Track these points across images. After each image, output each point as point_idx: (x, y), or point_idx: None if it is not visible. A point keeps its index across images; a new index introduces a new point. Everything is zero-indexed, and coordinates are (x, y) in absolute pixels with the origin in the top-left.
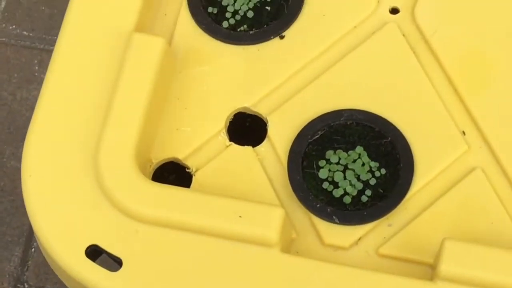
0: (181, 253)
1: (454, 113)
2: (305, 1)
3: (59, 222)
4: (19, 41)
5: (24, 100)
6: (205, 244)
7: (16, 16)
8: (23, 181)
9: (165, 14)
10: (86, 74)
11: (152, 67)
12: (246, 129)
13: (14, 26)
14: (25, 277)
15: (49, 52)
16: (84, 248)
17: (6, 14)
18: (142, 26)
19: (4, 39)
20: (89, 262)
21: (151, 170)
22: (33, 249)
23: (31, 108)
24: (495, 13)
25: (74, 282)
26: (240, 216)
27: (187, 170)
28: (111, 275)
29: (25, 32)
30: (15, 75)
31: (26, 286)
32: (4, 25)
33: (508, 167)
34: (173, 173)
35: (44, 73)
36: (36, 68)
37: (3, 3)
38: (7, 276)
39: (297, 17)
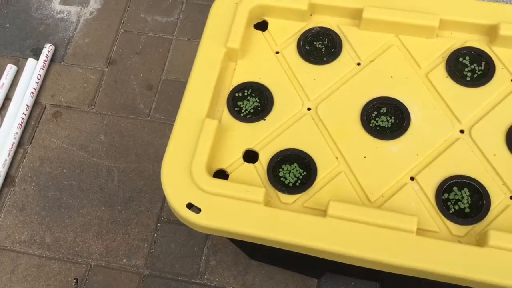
0: (225, 206)
1: (331, 146)
2: (274, 102)
3: (175, 193)
4: None
5: None
6: (233, 203)
7: None
8: (162, 175)
9: (218, 110)
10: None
11: (212, 131)
12: (251, 155)
13: None
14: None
15: None
16: (185, 203)
17: None
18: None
19: None
20: (188, 210)
21: (212, 172)
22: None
23: None
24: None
25: (183, 219)
26: (247, 191)
27: (227, 172)
28: (197, 216)
29: None
30: None
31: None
32: None
33: (357, 173)
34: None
35: None
36: None
37: None
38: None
39: (270, 111)
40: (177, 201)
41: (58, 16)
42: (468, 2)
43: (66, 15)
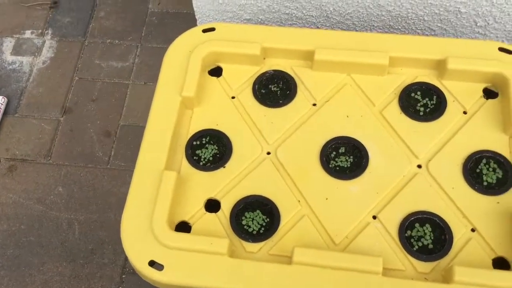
0: (188, 261)
1: (293, 189)
2: (233, 148)
3: (136, 250)
4: None
5: None
6: (197, 256)
7: None
8: (122, 232)
9: (177, 161)
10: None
11: (172, 184)
12: (213, 204)
13: None
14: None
15: None
16: (147, 261)
17: None
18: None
19: None
20: (150, 268)
21: (174, 225)
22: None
23: None
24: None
25: (145, 277)
26: (211, 243)
27: (189, 224)
28: (160, 273)
29: None
30: None
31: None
32: None
33: (320, 215)
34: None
35: None
36: None
37: None
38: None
39: (229, 158)
40: (138, 259)
41: (10, 67)
42: (415, 39)
43: (18, 66)
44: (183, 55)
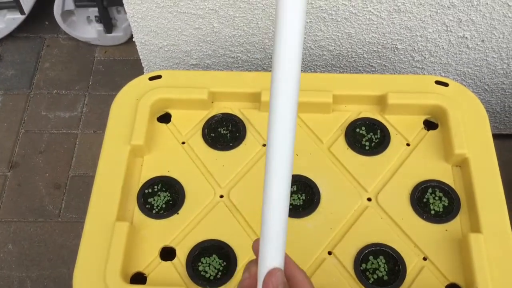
0: None
1: (248, 231)
2: (186, 194)
3: None
4: None
5: None
6: None
7: None
8: (74, 286)
9: (129, 210)
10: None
11: (124, 235)
12: (169, 251)
13: None
14: None
15: None
16: None
17: None
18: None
19: None
20: None
21: (129, 277)
22: None
23: None
24: None
25: None
26: None
27: (144, 275)
28: None
29: None
30: None
31: None
32: None
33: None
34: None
35: None
36: None
37: None
38: None
39: (183, 204)
40: None
41: None
42: (356, 77)
43: None
44: (130, 103)
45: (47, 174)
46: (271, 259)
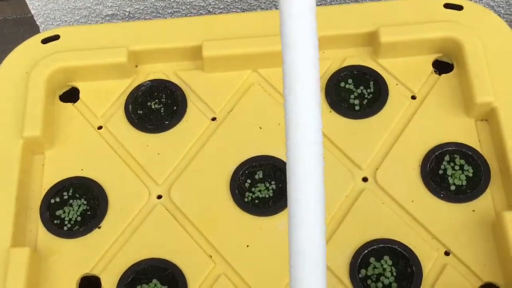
0: None
1: (200, 242)
2: (109, 200)
3: None
4: None
5: None
6: None
7: None
8: None
9: (30, 230)
10: None
11: (24, 265)
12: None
13: None
14: None
15: None
16: None
17: None
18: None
19: None
20: None
21: None
22: None
23: None
24: None
25: None
26: None
27: None
28: None
29: None
30: None
31: None
32: None
33: (241, 270)
34: None
35: None
36: None
37: None
38: None
39: (105, 214)
40: None
41: None
42: (334, 9)
43: None
44: (17, 78)
45: None
46: None
